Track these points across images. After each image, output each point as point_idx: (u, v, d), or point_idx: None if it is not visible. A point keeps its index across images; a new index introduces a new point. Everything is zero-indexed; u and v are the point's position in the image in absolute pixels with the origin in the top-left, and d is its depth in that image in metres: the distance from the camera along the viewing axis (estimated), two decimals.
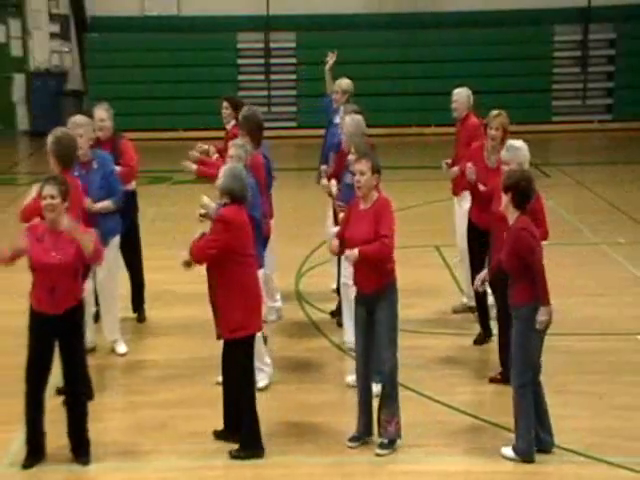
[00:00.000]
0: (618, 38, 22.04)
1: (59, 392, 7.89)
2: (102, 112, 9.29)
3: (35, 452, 7.14)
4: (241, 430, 7.22)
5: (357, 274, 7.30)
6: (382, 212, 7.17)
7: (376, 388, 7.54)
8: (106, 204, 8.57)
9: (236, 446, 7.22)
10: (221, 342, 7.33)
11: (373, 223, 7.12)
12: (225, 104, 10.19)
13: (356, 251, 7.06)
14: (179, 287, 10.91)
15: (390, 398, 7.27)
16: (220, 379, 7.63)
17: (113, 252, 9.01)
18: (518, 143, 8.06)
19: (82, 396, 7.24)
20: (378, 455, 7.23)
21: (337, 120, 9.95)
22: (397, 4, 21.80)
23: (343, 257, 7.43)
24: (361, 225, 7.17)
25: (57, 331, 6.97)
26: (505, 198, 7.05)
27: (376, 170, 7.18)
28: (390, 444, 7.28)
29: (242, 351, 7.14)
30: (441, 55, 21.56)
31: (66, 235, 6.85)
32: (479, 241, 8.99)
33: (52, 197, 6.78)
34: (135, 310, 10.20)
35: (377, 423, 7.36)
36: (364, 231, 7.12)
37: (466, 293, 10.12)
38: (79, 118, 8.77)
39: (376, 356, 7.29)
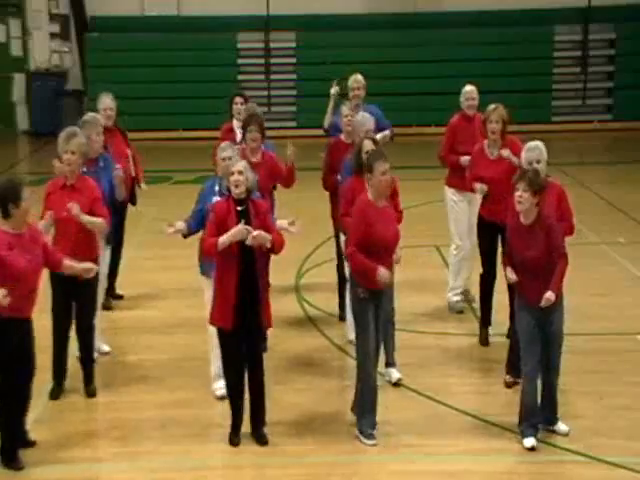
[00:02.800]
0: (618, 38, 22.02)
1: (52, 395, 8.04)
2: (109, 100, 9.88)
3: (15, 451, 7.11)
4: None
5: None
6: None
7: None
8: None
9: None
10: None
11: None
12: (240, 99, 10.44)
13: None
14: (178, 287, 10.92)
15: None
16: None
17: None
18: (539, 143, 8.17)
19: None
20: (398, 379, 7.88)
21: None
22: (397, 4, 21.79)
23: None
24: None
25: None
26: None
27: None
28: None
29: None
30: (441, 55, 21.53)
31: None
32: (490, 238, 9.05)
33: None
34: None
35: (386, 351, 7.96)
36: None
37: (452, 286, 10.27)
38: (94, 116, 9.04)
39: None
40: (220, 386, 8.12)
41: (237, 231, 7.09)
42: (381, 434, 7.51)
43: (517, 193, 7.17)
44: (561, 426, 7.46)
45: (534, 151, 8.07)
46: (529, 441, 7.30)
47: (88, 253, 7.90)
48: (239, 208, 7.23)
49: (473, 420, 7.82)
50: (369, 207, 7.35)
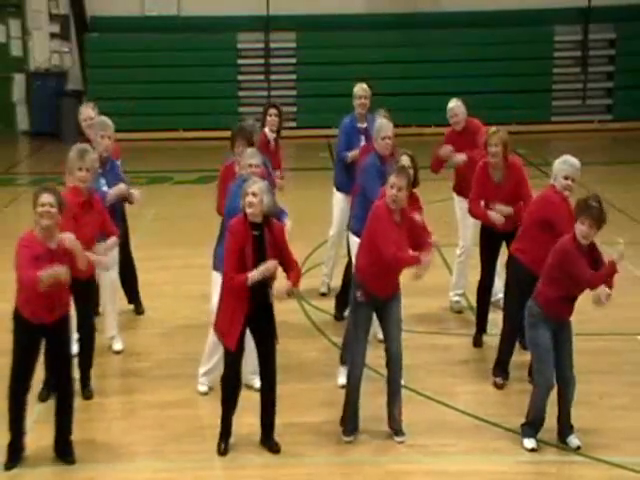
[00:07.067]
0: (618, 38, 22.02)
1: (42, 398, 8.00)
2: (90, 111, 9.58)
3: (17, 453, 7.12)
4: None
5: (380, 282, 7.36)
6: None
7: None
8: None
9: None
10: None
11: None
12: (275, 111, 10.37)
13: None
14: (178, 287, 10.93)
15: (400, 388, 7.56)
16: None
17: (116, 250, 9.16)
18: (577, 161, 8.33)
19: (68, 398, 7.22)
20: (402, 442, 7.41)
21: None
22: (397, 4, 21.78)
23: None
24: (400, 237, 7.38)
25: (46, 337, 6.98)
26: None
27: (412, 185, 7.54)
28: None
29: None
30: (441, 55, 21.53)
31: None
32: (492, 245, 9.04)
33: (51, 205, 6.75)
34: (131, 302, 10.30)
35: (390, 415, 7.53)
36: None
37: (454, 284, 10.34)
38: (106, 119, 9.06)
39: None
40: (202, 382, 8.32)
41: (268, 268, 6.98)
42: (381, 434, 7.54)
43: (588, 232, 7.38)
44: (573, 440, 7.36)
45: (573, 167, 8.25)
46: (529, 442, 7.30)
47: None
48: (255, 233, 6.96)
49: (473, 420, 7.83)
50: (386, 213, 7.32)
